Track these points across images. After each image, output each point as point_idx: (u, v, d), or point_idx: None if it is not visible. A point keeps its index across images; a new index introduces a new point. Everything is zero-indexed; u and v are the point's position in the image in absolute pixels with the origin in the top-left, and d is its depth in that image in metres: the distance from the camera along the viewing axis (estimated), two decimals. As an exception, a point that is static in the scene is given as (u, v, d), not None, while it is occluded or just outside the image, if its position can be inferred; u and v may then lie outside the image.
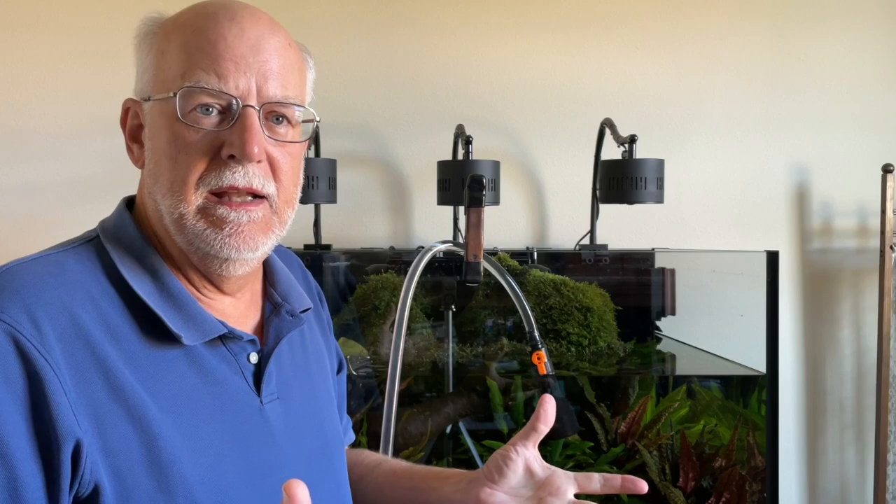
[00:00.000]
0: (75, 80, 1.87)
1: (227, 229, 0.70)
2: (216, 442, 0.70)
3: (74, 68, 1.87)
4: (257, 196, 0.72)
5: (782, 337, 1.83)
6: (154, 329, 0.69)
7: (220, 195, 0.70)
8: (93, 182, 1.87)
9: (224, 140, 0.69)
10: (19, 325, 0.62)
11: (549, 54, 1.95)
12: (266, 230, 0.73)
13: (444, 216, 1.89)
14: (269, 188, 0.72)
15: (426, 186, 1.89)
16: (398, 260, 1.78)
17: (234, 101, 0.69)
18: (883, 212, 1.83)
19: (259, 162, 0.71)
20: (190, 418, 0.69)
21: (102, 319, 0.67)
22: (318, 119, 0.77)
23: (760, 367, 1.72)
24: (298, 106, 0.74)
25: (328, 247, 1.80)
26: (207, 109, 0.69)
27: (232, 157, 0.69)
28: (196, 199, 0.70)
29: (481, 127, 1.90)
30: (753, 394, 1.79)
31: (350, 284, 1.77)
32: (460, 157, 1.65)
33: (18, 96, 1.87)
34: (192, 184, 0.70)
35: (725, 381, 1.84)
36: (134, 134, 0.76)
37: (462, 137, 1.63)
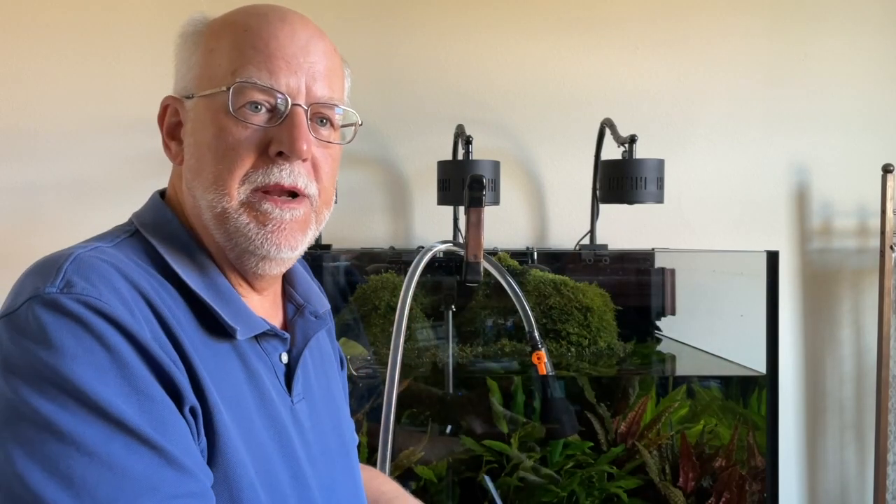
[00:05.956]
0: (75, 80, 1.87)
1: (270, 225, 0.71)
2: (263, 437, 0.71)
3: (74, 68, 1.87)
4: (299, 195, 0.73)
5: (782, 337, 1.83)
6: (205, 322, 0.70)
7: (265, 192, 0.71)
8: (93, 182, 1.86)
9: (272, 137, 0.71)
10: (116, 309, 0.61)
11: (549, 54, 1.95)
12: (305, 229, 0.75)
13: (444, 216, 1.89)
14: (312, 188, 0.74)
15: (426, 186, 1.89)
16: (398, 260, 1.78)
17: (284, 99, 0.71)
18: (883, 212, 1.83)
19: (304, 161, 0.72)
20: (242, 412, 0.69)
21: (168, 307, 0.67)
22: (360, 122, 0.78)
23: (760, 367, 1.71)
24: (344, 108, 0.76)
25: (328, 247, 1.80)
26: (256, 107, 0.70)
27: (280, 154, 0.71)
28: (240, 194, 0.71)
29: (481, 127, 1.90)
30: (753, 394, 1.79)
31: (350, 284, 1.77)
32: (460, 157, 1.65)
33: (18, 96, 1.87)
34: (238, 179, 0.70)
35: (725, 381, 1.84)
36: (172, 131, 0.76)
37: (462, 137, 1.63)
